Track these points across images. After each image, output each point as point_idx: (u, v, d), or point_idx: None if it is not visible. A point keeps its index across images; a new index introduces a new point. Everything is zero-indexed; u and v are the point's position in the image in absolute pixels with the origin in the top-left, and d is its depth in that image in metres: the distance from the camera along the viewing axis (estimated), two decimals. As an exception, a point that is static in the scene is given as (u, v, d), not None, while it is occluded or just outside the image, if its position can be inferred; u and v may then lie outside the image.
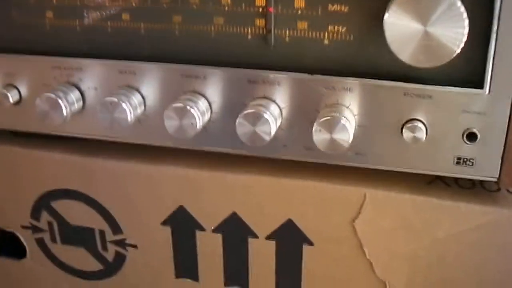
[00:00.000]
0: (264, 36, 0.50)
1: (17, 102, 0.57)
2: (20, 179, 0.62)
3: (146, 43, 0.53)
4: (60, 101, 0.53)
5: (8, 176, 0.62)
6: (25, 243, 0.66)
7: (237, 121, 0.48)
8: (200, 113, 0.50)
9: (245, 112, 0.48)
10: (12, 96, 0.56)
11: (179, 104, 0.49)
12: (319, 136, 0.47)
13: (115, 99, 0.51)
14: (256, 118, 0.48)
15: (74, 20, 0.54)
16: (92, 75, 0.54)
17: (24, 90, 0.57)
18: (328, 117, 0.47)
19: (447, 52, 0.43)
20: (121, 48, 0.54)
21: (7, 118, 0.59)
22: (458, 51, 0.43)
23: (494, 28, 0.44)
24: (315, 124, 0.47)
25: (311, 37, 0.49)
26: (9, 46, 0.56)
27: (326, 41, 0.49)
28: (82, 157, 0.59)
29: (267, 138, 0.48)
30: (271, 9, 0.49)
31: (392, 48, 0.44)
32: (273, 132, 0.48)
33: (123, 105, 0.51)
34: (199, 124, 0.49)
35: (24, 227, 0.65)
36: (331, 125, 0.47)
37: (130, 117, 0.51)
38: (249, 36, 0.50)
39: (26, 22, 0.56)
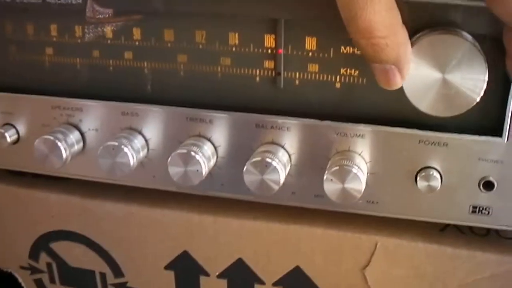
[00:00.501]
0: (273, 79, 0.48)
1: (15, 142, 0.55)
2: (18, 219, 0.60)
3: (149, 83, 0.51)
4: (59, 143, 0.51)
5: (6, 215, 0.60)
6: (23, 284, 0.64)
7: (244, 168, 0.46)
8: (206, 159, 0.48)
9: (253, 160, 0.46)
10: (10, 136, 0.54)
11: (183, 151, 0.47)
12: (331, 186, 0.45)
13: (117, 143, 0.49)
14: (265, 167, 0.46)
15: (75, 58, 0.52)
16: (93, 116, 0.52)
17: (22, 130, 0.55)
18: (340, 167, 0.45)
19: (467, 101, 0.42)
20: (123, 87, 0.52)
21: (4, 158, 0.57)
22: (478, 99, 0.41)
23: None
24: (326, 173, 0.45)
25: (322, 80, 0.47)
26: (7, 84, 0.54)
27: (337, 85, 0.47)
28: (82, 198, 0.57)
29: (276, 187, 0.46)
30: (281, 51, 0.47)
31: (410, 98, 0.43)
32: (281, 180, 0.46)
33: (125, 149, 0.49)
34: (205, 170, 0.48)
35: (22, 267, 0.63)
36: (343, 175, 0.45)
37: (132, 161, 0.49)
38: (257, 79, 0.49)
39: (25, 59, 0.54)
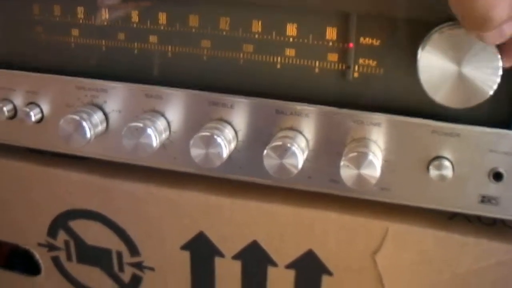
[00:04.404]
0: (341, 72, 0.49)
1: (39, 121, 0.56)
2: (38, 197, 0.61)
3: (172, 66, 0.53)
4: (84, 123, 0.52)
5: (26, 193, 0.62)
6: (40, 261, 0.65)
7: (264, 152, 0.48)
8: (227, 142, 0.49)
9: (273, 144, 0.48)
10: (35, 115, 0.56)
11: (206, 133, 0.49)
12: (347, 171, 0.47)
13: (141, 125, 0.50)
14: (284, 151, 0.48)
15: (100, 40, 0.54)
16: (117, 97, 0.53)
17: (46, 109, 0.56)
18: (356, 153, 0.47)
19: (481, 94, 0.44)
20: (147, 70, 0.53)
21: (27, 136, 0.58)
22: (491, 93, 0.43)
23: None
24: (342, 159, 0.47)
25: (338, 69, 0.49)
26: (33, 64, 0.56)
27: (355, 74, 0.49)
28: (101, 177, 0.59)
29: (295, 171, 0.48)
30: (352, 45, 0.48)
31: (426, 89, 0.44)
32: (300, 165, 0.48)
33: (149, 130, 0.50)
34: (226, 153, 0.49)
35: (40, 244, 0.64)
36: (359, 161, 0.46)
37: (155, 143, 0.51)
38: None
39: (50, 40, 0.55)
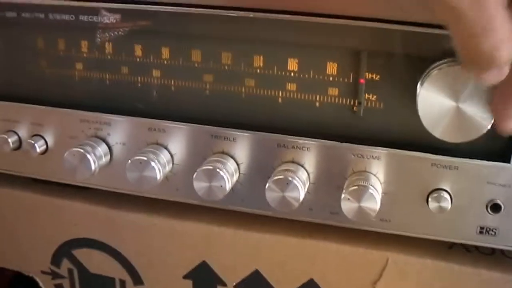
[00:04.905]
0: (351, 107, 0.50)
1: (43, 152, 0.57)
2: (42, 226, 0.62)
3: (175, 100, 0.54)
4: (88, 156, 0.53)
5: (31, 222, 0.63)
6: (43, 288, 0.66)
7: (266, 186, 0.49)
8: (229, 175, 0.50)
9: (275, 177, 0.49)
10: (39, 147, 0.57)
11: (209, 167, 0.50)
12: (348, 204, 0.48)
13: (145, 158, 0.51)
14: (286, 184, 0.48)
15: (104, 73, 0.55)
16: (121, 130, 0.54)
17: (51, 141, 0.57)
18: (357, 186, 0.47)
19: (478, 128, 0.44)
20: (150, 104, 0.54)
21: (32, 166, 0.59)
22: (489, 127, 0.44)
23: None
24: (343, 192, 0.48)
25: (341, 103, 0.50)
26: (38, 97, 0.57)
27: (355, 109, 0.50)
28: (106, 208, 0.59)
29: (296, 204, 0.49)
30: (363, 81, 0.49)
31: (425, 124, 0.45)
32: (301, 198, 0.49)
33: (152, 163, 0.51)
34: (228, 186, 0.50)
35: (44, 272, 0.65)
36: (360, 194, 0.47)
37: (159, 175, 0.51)
38: (280, 100, 0.51)
39: (55, 73, 0.56)
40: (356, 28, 0.47)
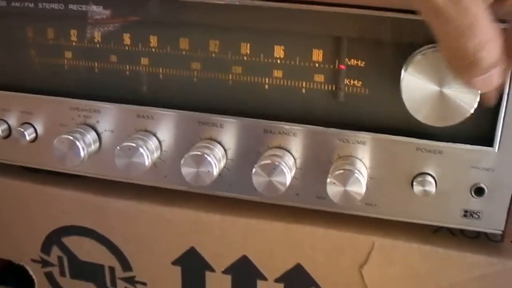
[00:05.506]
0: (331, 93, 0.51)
1: (33, 140, 0.57)
2: (32, 214, 0.62)
3: (163, 88, 0.54)
4: (78, 143, 0.53)
5: (20, 210, 0.63)
6: (34, 276, 0.66)
7: (253, 171, 0.49)
8: (217, 160, 0.51)
9: (262, 162, 0.49)
10: (29, 135, 0.57)
11: (197, 153, 0.50)
12: (333, 188, 0.48)
13: (134, 144, 0.51)
14: (272, 169, 0.49)
15: (93, 62, 0.55)
16: (110, 118, 0.55)
17: (40, 129, 0.57)
18: (342, 170, 0.48)
19: (461, 113, 0.45)
20: (138, 92, 0.55)
21: (22, 155, 0.59)
22: (472, 111, 0.45)
23: (506, 89, 0.46)
24: (329, 176, 0.48)
25: (326, 89, 0.50)
26: (28, 85, 0.57)
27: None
28: (94, 195, 0.60)
29: (283, 188, 0.49)
30: (343, 67, 0.49)
31: (409, 108, 0.46)
32: (288, 182, 0.49)
33: (141, 150, 0.52)
34: (216, 171, 0.51)
35: (34, 260, 0.65)
36: (345, 178, 0.48)
37: (147, 162, 0.52)
38: (266, 87, 0.52)
39: (44, 62, 0.56)
40: (340, 14, 0.47)
